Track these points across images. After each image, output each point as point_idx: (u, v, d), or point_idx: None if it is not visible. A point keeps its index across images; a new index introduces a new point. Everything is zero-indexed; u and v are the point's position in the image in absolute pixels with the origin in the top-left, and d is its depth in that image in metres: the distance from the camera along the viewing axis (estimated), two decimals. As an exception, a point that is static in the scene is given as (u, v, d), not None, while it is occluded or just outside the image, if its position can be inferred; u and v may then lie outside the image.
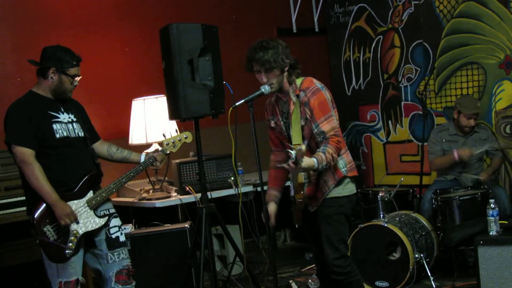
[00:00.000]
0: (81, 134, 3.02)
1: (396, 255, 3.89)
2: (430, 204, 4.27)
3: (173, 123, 4.16)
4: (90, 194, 2.98)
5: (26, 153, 2.82)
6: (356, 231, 3.95)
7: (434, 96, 5.11)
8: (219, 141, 4.04)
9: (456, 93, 4.99)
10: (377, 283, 3.90)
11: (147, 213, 4.07)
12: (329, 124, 2.83)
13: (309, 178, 2.95)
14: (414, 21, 5.19)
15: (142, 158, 3.20)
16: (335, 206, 2.92)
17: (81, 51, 3.03)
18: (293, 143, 2.89)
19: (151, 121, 4.20)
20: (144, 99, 4.26)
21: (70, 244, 2.86)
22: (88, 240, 2.99)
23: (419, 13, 5.14)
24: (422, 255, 3.85)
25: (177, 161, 4.14)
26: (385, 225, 3.88)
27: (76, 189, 2.94)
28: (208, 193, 3.38)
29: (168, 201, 4.01)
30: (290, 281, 4.13)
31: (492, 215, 3.46)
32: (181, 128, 4.18)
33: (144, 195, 4.10)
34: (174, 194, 4.13)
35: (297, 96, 2.90)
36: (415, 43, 5.20)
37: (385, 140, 5.54)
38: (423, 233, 4.02)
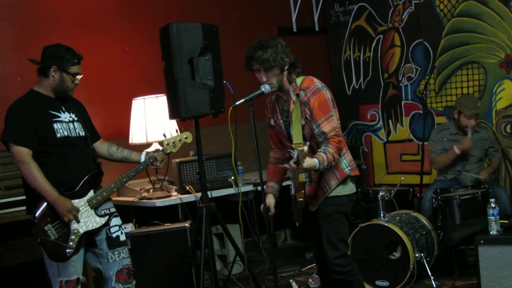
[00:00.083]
0: (82, 133, 3.02)
1: (397, 254, 3.88)
2: (431, 204, 4.27)
3: (173, 123, 4.16)
4: (91, 193, 2.98)
5: (23, 153, 2.82)
6: (357, 231, 3.95)
7: (435, 96, 5.11)
8: (219, 140, 4.04)
9: (456, 92, 4.99)
10: (377, 282, 3.90)
11: (147, 213, 4.07)
12: (330, 124, 2.83)
13: (310, 177, 2.95)
14: (414, 20, 5.18)
15: (142, 157, 3.20)
16: (335, 205, 2.92)
17: (82, 50, 3.03)
18: (293, 142, 2.89)
19: (151, 121, 4.20)
20: (144, 99, 4.26)
21: (71, 243, 2.86)
22: (89, 239, 2.99)
23: (420, 12, 5.14)
24: (422, 254, 3.85)
25: (177, 160, 4.14)
26: (386, 224, 3.88)
27: (77, 188, 2.94)
28: (208, 192, 3.38)
29: (168, 201, 4.01)
30: (291, 281, 4.13)
31: (493, 215, 3.45)
32: (181, 128, 4.19)
33: (145, 194, 4.10)
34: (174, 193, 4.13)
35: (297, 95, 2.90)
36: (415, 42, 5.20)
37: (385, 140, 5.54)
38: (424, 233, 4.02)
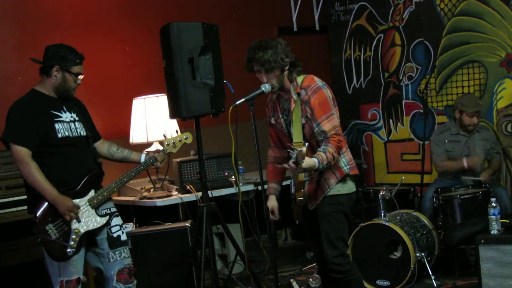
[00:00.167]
0: (83, 133, 3.02)
1: (397, 254, 3.88)
2: (431, 203, 4.26)
3: (174, 122, 4.16)
4: (92, 193, 2.98)
5: (22, 152, 2.82)
6: (357, 230, 3.95)
7: (435, 95, 5.11)
8: (219, 140, 4.04)
9: (457, 91, 4.98)
10: (378, 282, 3.90)
11: (148, 212, 4.07)
12: (330, 123, 2.83)
13: (310, 176, 2.95)
14: (415, 19, 5.18)
15: (143, 158, 3.20)
16: (334, 204, 2.92)
17: (82, 50, 3.03)
18: (294, 141, 2.89)
19: (151, 120, 4.20)
20: (144, 98, 4.26)
21: (72, 242, 2.86)
22: (90, 239, 2.99)
23: (420, 11, 5.14)
24: (423, 254, 3.85)
25: (178, 160, 4.14)
26: (386, 224, 3.88)
27: (78, 188, 2.94)
28: (209, 192, 3.38)
29: (169, 200, 4.01)
30: (291, 280, 4.13)
31: (494, 214, 3.45)
32: (182, 127, 4.19)
33: (145, 194, 4.10)
34: (175, 193, 4.13)
35: (298, 94, 2.90)
36: (416, 41, 5.20)
37: (386, 139, 5.54)
38: (424, 232, 4.01)
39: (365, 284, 3.88)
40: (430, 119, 5.02)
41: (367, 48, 5.57)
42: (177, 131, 4.11)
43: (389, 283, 3.87)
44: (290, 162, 2.62)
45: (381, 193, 4.09)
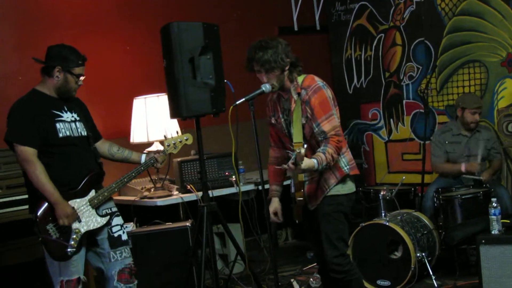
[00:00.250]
0: (84, 133, 3.02)
1: (398, 254, 3.88)
2: (432, 203, 4.26)
3: (175, 122, 4.16)
4: (92, 193, 2.98)
5: (28, 152, 2.83)
6: (358, 230, 3.94)
7: (436, 95, 5.10)
8: (220, 139, 4.03)
9: (458, 91, 4.98)
10: (378, 282, 3.90)
11: (148, 212, 4.07)
12: (330, 123, 2.83)
13: (310, 176, 2.95)
14: (415, 19, 5.18)
15: (143, 158, 3.20)
16: (334, 204, 2.92)
17: (82, 50, 3.03)
18: (294, 141, 2.89)
19: (152, 120, 4.20)
20: (145, 98, 4.26)
21: (72, 242, 2.86)
22: (90, 239, 2.99)
23: (421, 11, 5.13)
24: (423, 254, 3.84)
25: (179, 159, 4.13)
26: (387, 224, 3.87)
27: (79, 188, 2.94)
28: (210, 192, 3.38)
29: (169, 200, 4.01)
30: (292, 280, 4.13)
31: (494, 214, 3.45)
32: (182, 127, 4.19)
33: (146, 193, 4.10)
34: (175, 192, 4.13)
35: (298, 94, 2.90)
36: (416, 41, 5.19)
37: (386, 139, 5.54)
38: (425, 232, 4.01)
39: (366, 284, 3.88)
40: (430, 119, 5.02)
41: (368, 48, 5.57)
42: (177, 132, 4.11)
43: (390, 283, 3.86)
44: (290, 163, 2.62)
45: (381, 193, 4.09)
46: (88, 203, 2.96)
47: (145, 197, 4.07)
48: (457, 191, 4.16)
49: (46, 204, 2.85)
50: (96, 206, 2.98)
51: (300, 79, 2.93)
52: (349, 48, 5.73)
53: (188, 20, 3.20)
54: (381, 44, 5.47)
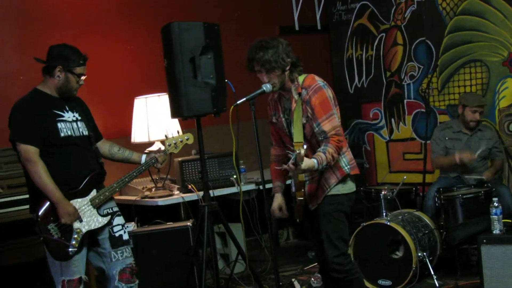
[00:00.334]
0: (86, 133, 3.03)
1: (399, 253, 3.87)
2: (433, 203, 4.25)
3: (175, 121, 4.16)
4: (94, 192, 2.99)
5: (31, 151, 2.83)
6: (359, 230, 3.94)
7: (437, 94, 5.10)
8: (221, 139, 4.03)
9: (459, 90, 4.97)
10: (380, 281, 3.89)
11: (149, 211, 4.07)
12: (330, 123, 2.83)
13: (311, 175, 2.95)
14: (416, 18, 5.17)
15: (143, 159, 3.20)
16: (335, 203, 2.93)
17: (83, 50, 3.03)
18: (294, 141, 2.90)
19: (153, 120, 4.20)
20: (146, 98, 4.26)
21: (74, 242, 2.87)
22: (92, 238, 2.99)
23: (422, 10, 5.13)
24: (425, 253, 3.84)
25: (180, 159, 4.13)
26: (388, 223, 3.87)
27: (80, 187, 2.94)
28: (210, 191, 3.38)
29: (170, 199, 4.01)
30: (293, 280, 4.13)
31: (496, 214, 3.44)
32: (183, 127, 4.19)
33: (147, 193, 4.10)
34: (176, 192, 4.13)
35: (299, 94, 2.90)
36: (417, 40, 5.19)
37: (388, 138, 5.53)
38: (426, 232, 4.01)
39: (367, 283, 3.88)
40: (432, 118, 5.01)
41: (369, 47, 5.56)
42: (178, 132, 4.11)
43: (391, 283, 3.86)
44: (290, 163, 2.63)
45: (383, 192, 4.09)
46: (90, 203, 2.96)
47: (146, 196, 4.07)
48: (459, 190, 4.15)
49: (47, 204, 2.85)
50: (97, 205, 2.98)
51: (300, 78, 2.93)
52: (350, 48, 5.73)
53: (188, 20, 3.21)
54: (382, 43, 5.47)
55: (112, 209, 3.07)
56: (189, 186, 4.03)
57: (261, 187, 3.71)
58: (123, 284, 3.00)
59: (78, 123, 3.01)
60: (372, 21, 5.52)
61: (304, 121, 2.88)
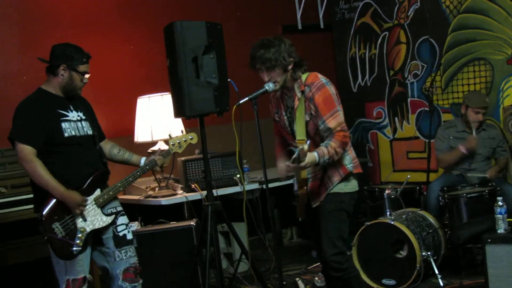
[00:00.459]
0: (90, 132, 3.03)
1: (403, 253, 3.86)
2: (437, 201, 4.24)
3: (179, 121, 4.16)
4: (98, 192, 2.99)
5: (27, 151, 2.83)
6: (362, 229, 3.93)
7: (441, 93, 5.08)
8: (224, 138, 4.03)
9: (463, 89, 4.95)
10: (384, 281, 3.88)
11: (153, 211, 4.07)
12: (335, 120, 2.83)
13: (314, 173, 2.95)
14: (420, 17, 5.16)
15: (142, 162, 3.20)
16: (337, 202, 2.92)
17: (87, 49, 3.03)
18: (297, 138, 2.89)
19: (156, 119, 4.20)
20: (149, 97, 4.26)
21: (78, 241, 2.87)
22: (96, 238, 3.00)
23: (425, 9, 5.11)
24: (429, 253, 3.83)
25: (183, 158, 4.14)
26: (392, 222, 3.86)
27: (84, 186, 2.95)
28: (214, 191, 3.38)
29: (174, 199, 4.02)
30: (297, 279, 4.12)
31: (500, 213, 3.43)
32: (186, 126, 4.19)
33: (150, 192, 4.10)
34: (180, 191, 4.14)
35: (302, 91, 2.89)
36: (421, 39, 5.17)
37: (391, 137, 5.52)
38: (430, 231, 3.99)
39: (371, 283, 3.87)
40: (435, 117, 5.00)
41: (372, 46, 5.55)
42: (182, 131, 4.11)
43: (395, 282, 3.85)
44: (292, 162, 2.62)
45: (386, 191, 4.07)
46: (94, 202, 2.96)
47: (149, 196, 4.08)
48: (463, 189, 4.14)
49: (51, 203, 2.85)
50: (101, 205, 2.99)
51: (303, 76, 2.93)
52: (353, 47, 5.72)
53: (190, 19, 3.20)
54: (385, 42, 5.45)
55: (116, 209, 3.07)
56: (193, 186, 4.04)
57: (264, 186, 3.70)
58: (127, 284, 3.01)
59: (83, 122, 3.01)
60: (375, 20, 5.51)
61: (307, 119, 2.88)
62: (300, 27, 5.63)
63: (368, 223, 3.95)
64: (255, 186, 4.34)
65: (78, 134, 2.97)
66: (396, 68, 5.40)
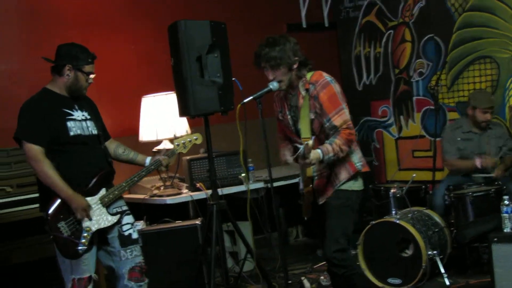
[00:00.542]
0: (95, 132, 3.03)
1: (409, 252, 3.85)
2: (443, 200, 4.23)
3: (184, 120, 4.17)
4: (103, 191, 2.99)
5: (36, 150, 2.84)
6: (368, 228, 3.92)
7: (446, 91, 5.06)
8: (228, 137, 4.03)
9: (468, 87, 4.93)
10: (389, 280, 3.87)
11: (158, 210, 4.07)
12: (341, 117, 2.84)
13: (320, 171, 2.95)
14: (425, 15, 5.14)
15: (147, 161, 3.20)
16: (343, 198, 2.93)
17: (91, 48, 3.04)
18: (301, 136, 2.89)
19: (161, 118, 4.20)
20: (154, 96, 4.27)
21: (83, 240, 2.88)
22: (101, 237, 3.00)
23: (430, 7, 5.09)
24: (435, 252, 3.81)
25: (188, 157, 4.14)
26: (397, 221, 3.85)
27: (89, 186, 2.95)
28: (219, 190, 3.38)
29: (179, 198, 4.02)
30: (302, 278, 4.12)
31: (506, 212, 3.41)
32: (191, 125, 4.19)
33: (155, 191, 4.11)
34: (185, 190, 4.14)
35: (307, 90, 2.89)
36: (426, 37, 5.15)
37: (397, 136, 5.51)
38: (436, 230, 3.98)
39: (376, 282, 3.86)
40: (441, 115, 4.98)
41: (377, 45, 5.54)
42: (186, 131, 4.11)
43: (401, 281, 3.84)
44: (298, 158, 2.61)
45: (392, 190, 4.06)
46: (99, 202, 2.97)
47: (155, 195, 4.08)
48: (469, 188, 4.12)
49: (57, 202, 2.86)
50: (106, 204, 2.99)
51: (308, 75, 2.93)
52: (358, 45, 5.71)
53: (195, 18, 3.20)
54: (390, 40, 5.44)
55: (121, 208, 3.08)
56: (198, 185, 4.04)
57: (269, 185, 3.70)
58: (133, 283, 3.01)
59: (88, 122, 3.01)
60: (380, 18, 5.49)
61: (312, 117, 2.88)
62: (304, 25, 5.63)
63: (373, 222, 3.94)
64: (260, 185, 4.34)
65: (83, 133, 2.97)
66: (401, 66, 5.39)
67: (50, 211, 2.85)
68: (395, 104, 5.48)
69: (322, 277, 4.05)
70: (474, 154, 4.30)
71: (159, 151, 3.32)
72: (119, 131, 4.16)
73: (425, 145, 5.22)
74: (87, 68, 2.96)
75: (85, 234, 2.89)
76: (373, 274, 3.89)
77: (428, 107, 5.20)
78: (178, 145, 3.30)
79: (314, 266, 4.48)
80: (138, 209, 3.98)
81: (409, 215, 3.97)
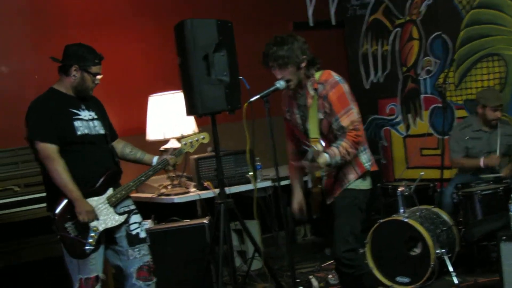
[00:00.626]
0: (102, 131, 3.04)
1: (417, 250, 3.84)
2: (451, 199, 4.21)
3: (191, 119, 4.17)
4: (110, 191, 3.00)
5: (50, 149, 2.84)
6: (376, 226, 3.91)
7: (454, 89, 5.04)
8: (236, 136, 4.02)
9: (476, 85, 4.90)
10: (397, 278, 3.86)
11: (166, 209, 4.08)
12: (349, 118, 2.82)
13: (328, 171, 2.93)
14: (432, 12, 5.11)
15: (154, 161, 3.20)
16: (351, 197, 2.92)
17: (98, 48, 3.05)
18: (310, 136, 2.88)
19: (168, 117, 4.21)
20: (161, 95, 4.27)
21: (91, 240, 2.88)
22: (109, 236, 3.00)
23: (437, 4, 5.07)
24: (443, 250, 3.79)
25: (195, 156, 4.14)
26: (405, 220, 3.83)
27: (97, 186, 2.96)
28: (227, 189, 3.38)
29: (186, 197, 4.03)
30: (310, 277, 4.11)
31: (515, 210, 3.39)
32: (198, 124, 4.19)
33: (163, 190, 4.11)
34: (192, 189, 4.14)
35: (315, 89, 2.88)
36: (433, 35, 5.13)
37: (404, 134, 5.49)
38: (444, 228, 3.96)
39: (385, 280, 3.85)
40: (449, 113, 4.96)
41: (384, 43, 5.52)
42: (194, 130, 4.12)
43: (409, 280, 3.82)
44: (307, 162, 2.61)
45: (400, 188, 4.05)
46: (106, 201, 2.97)
47: (162, 194, 4.09)
48: (477, 186, 4.10)
49: (64, 202, 2.86)
50: (114, 204, 3.00)
51: (317, 74, 2.92)
52: (365, 43, 5.69)
53: (201, 17, 3.20)
54: (397, 38, 5.41)
55: (129, 207, 3.08)
56: (205, 184, 4.04)
57: (277, 184, 3.70)
58: (141, 282, 3.01)
59: (95, 121, 3.02)
60: (387, 16, 5.47)
61: (321, 117, 2.87)
62: (311, 23, 5.61)
63: (381, 221, 3.92)
64: (268, 183, 4.33)
65: (90, 133, 2.98)
66: (409, 64, 5.36)
67: (57, 211, 2.85)
68: (402, 102, 5.46)
69: (330, 276, 4.04)
70: (483, 153, 4.27)
71: (166, 150, 3.32)
72: (126, 130, 4.16)
73: (433, 143, 5.20)
74: (94, 69, 2.96)
75: (92, 234, 2.89)
76: (381, 273, 3.88)
77: (435, 105, 5.17)
78: (185, 144, 3.30)
79: (322, 265, 4.47)
80: (145, 208, 3.99)
81: (417, 213, 3.96)
